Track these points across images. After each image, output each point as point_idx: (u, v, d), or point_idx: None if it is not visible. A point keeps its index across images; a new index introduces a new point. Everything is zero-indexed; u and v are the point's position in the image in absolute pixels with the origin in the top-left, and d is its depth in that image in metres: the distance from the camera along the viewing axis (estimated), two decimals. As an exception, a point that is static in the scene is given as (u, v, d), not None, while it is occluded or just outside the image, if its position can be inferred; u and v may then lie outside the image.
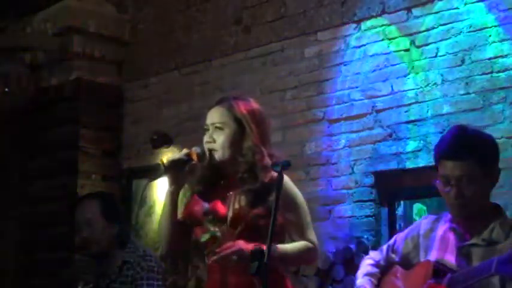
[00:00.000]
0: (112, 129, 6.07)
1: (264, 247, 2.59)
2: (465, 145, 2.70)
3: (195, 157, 2.93)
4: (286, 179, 2.89)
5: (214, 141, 2.96)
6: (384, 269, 2.99)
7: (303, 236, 2.94)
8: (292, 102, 5.00)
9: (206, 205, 2.95)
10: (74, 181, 5.78)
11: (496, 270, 2.45)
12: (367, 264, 3.02)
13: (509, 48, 4.09)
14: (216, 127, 2.96)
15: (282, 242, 2.93)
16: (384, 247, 3.04)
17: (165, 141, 5.42)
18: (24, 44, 6.05)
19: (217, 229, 2.92)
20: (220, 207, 2.94)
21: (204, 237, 2.93)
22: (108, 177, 5.96)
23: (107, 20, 6.03)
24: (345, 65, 4.77)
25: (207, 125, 3.00)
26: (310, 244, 2.94)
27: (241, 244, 2.80)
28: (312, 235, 2.97)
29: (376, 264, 3.01)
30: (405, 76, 4.49)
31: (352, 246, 4.45)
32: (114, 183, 5.96)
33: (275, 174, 2.86)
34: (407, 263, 2.91)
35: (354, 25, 4.76)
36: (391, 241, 3.02)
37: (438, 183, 2.74)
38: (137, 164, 5.83)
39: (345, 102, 4.73)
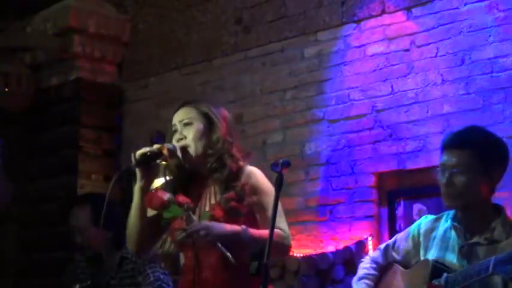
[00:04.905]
0: (112, 129, 6.07)
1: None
2: (467, 136, 2.71)
3: (165, 151, 2.90)
4: (254, 169, 2.95)
5: (185, 137, 2.97)
6: (382, 269, 2.99)
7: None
8: (292, 102, 5.00)
9: (169, 194, 2.88)
10: (74, 181, 5.78)
11: (493, 270, 2.45)
12: (363, 267, 3.02)
13: (509, 48, 4.09)
14: (185, 124, 2.99)
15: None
16: (382, 246, 3.03)
17: (165, 141, 5.40)
18: (24, 44, 6.04)
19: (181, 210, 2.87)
20: (182, 198, 2.90)
21: (167, 214, 2.86)
22: (108, 177, 5.95)
23: (107, 20, 6.02)
24: (345, 65, 4.77)
25: (175, 124, 3.02)
26: (280, 231, 2.85)
27: (207, 222, 2.81)
28: (283, 224, 2.90)
29: (374, 266, 3.00)
30: (405, 76, 4.49)
31: (352, 246, 4.45)
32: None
33: (242, 163, 2.94)
34: (407, 262, 2.92)
35: (354, 25, 4.76)
36: (391, 241, 3.02)
37: (437, 174, 2.75)
38: (137, 164, 5.82)
39: (345, 102, 4.73)
